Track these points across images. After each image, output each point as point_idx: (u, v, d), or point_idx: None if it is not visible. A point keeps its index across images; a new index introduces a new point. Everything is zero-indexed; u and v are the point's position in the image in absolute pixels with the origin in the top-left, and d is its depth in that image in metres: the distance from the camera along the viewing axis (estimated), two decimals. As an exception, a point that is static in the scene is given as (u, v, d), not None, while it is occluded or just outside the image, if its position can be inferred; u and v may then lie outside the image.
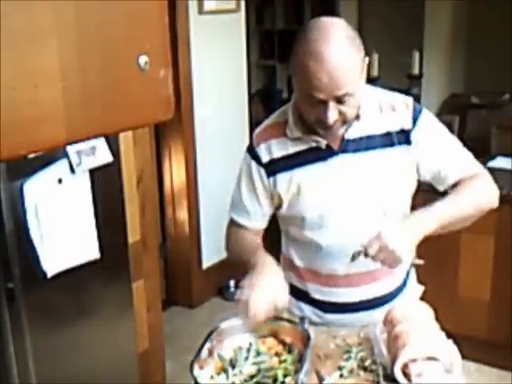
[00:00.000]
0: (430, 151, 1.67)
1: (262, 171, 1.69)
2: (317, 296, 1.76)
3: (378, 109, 1.65)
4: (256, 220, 1.76)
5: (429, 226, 1.54)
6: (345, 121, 1.56)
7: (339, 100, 1.49)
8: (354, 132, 1.62)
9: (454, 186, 1.67)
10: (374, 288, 1.73)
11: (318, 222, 1.67)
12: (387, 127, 1.64)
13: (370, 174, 1.64)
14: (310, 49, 1.46)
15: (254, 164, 1.70)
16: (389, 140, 1.64)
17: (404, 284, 1.81)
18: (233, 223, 1.80)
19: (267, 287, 1.52)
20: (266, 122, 1.74)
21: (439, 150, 1.69)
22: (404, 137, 1.64)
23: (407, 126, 1.64)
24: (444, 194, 1.68)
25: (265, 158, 1.68)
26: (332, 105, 1.49)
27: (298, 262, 1.76)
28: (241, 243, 1.75)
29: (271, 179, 1.69)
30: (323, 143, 1.63)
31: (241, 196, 1.74)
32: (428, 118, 1.69)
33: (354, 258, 1.56)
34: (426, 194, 1.73)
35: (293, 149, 1.66)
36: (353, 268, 1.68)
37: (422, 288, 1.89)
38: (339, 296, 1.74)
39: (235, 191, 1.77)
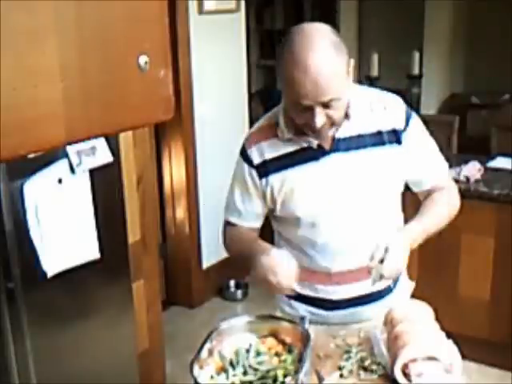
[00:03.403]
0: (415, 154, 1.72)
1: (254, 173, 1.71)
2: (311, 293, 1.77)
3: (368, 108, 1.68)
4: (249, 220, 1.79)
5: (417, 241, 1.65)
6: (333, 123, 1.59)
7: (325, 105, 1.53)
8: (344, 131, 1.65)
9: (428, 194, 1.78)
10: (367, 284, 1.74)
11: (312, 220, 1.69)
12: (378, 126, 1.67)
13: (362, 172, 1.67)
14: (294, 58, 1.49)
15: (246, 166, 1.73)
16: (379, 139, 1.67)
17: (397, 279, 1.83)
18: (228, 224, 1.84)
19: (285, 257, 1.58)
20: (257, 125, 1.77)
21: (423, 154, 1.76)
22: (395, 136, 1.68)
23: (399, 125, 1.68)
24: (413, 193, 1.82)
25: (256, 160, 1.70)
26: (318, 110, 1.53)
27: None
28: (239, 237, 1.79)
29: (263, 180, 1.71)
30: (314, 143, 1.65)
31: (233, 198, 1.78)
32: (418, 121, 1.74)
33: (374, 282, 1.59)
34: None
35: (284, 149, 1.68)
36: (346, 265, 1.71)
37: (413, 284, 1.90)
38: (333, 293, 1.75)
39: (229, 193, 1.81)
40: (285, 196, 1.69)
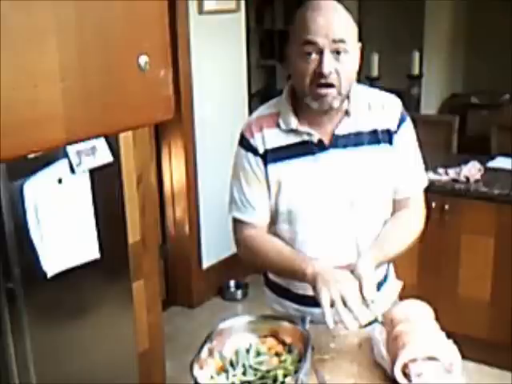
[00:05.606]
0: (400, 159, 1.72)
1: (260, 161, 1.68)
2: (300, 291, 1.74)
3: (367, 106, 1.69)
4: (262, 214, 1.73)
5: (379, 261, 1.64)
6: (339, 84, 1.57)
7: (335, 50, 1.55)
8: (343, 128, 1.66)
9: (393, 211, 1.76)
10: None
11: (302, 215, 1.68)
12: (374, 125, 1.69)
13: (357, 169, 1.68)
14: (306, 5, 1.60)
15: (251, 156, 1.69)
16: (375, 138, 1.69)
17: (385, 279, 1.83)
18: (239, 224, 1.76)
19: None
20: (256, 114, 1.74)
21: (407, 161, 1.75)
22: (388, 136, 1.70)
23: (393, 127, 1.70)
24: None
25: (261, 149, 1.68)
26: (328, 53, 1.55)
27: None
28: (271, 251, 1.70)
29: (264, 169, 1.69)
30: (315, 137, 1.66)
31: (243, 192, 1.72)
32: (410, 127, 1.75)
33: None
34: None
35: (284, 141, 1.68)
36: (334, 261, 1.68)
37: (400, 284, 1.90)
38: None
39: (234, 190, 1.75)
40: (278, 188, 1.68)
